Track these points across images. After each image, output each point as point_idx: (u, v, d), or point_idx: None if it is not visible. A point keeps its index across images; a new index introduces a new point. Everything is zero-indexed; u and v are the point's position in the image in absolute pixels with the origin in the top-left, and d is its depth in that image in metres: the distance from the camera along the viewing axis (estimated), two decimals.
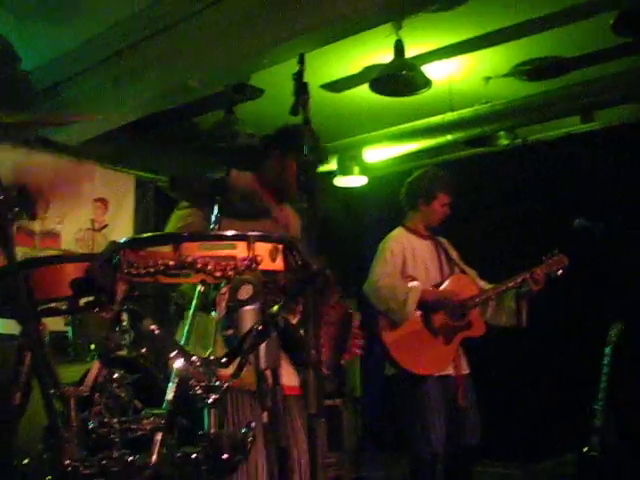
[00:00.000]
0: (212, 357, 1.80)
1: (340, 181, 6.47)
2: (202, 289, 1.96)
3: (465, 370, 4.00)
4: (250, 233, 1.66)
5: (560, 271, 4.05)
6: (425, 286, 3.98)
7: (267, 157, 2.95)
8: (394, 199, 4.35)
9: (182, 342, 1.99)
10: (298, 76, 2.54)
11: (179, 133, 6.40)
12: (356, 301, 4.74)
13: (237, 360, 1.79)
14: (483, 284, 4.12)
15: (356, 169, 6.28)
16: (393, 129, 5.96)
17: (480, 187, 6.32)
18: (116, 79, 5.12)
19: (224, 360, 1.77)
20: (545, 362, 5.80)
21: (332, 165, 6.36)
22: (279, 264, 1.71)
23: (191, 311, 2.00)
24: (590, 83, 5.11)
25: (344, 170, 6.31)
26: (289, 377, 2.57)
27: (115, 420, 1.74)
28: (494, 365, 5.64)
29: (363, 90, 5.34)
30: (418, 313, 3.93)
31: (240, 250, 1.66)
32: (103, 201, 6.26)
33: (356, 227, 7.38)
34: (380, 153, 6.19)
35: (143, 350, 1.84)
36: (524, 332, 5.58)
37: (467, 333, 3.98)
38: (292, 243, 1.70)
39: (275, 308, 1.74)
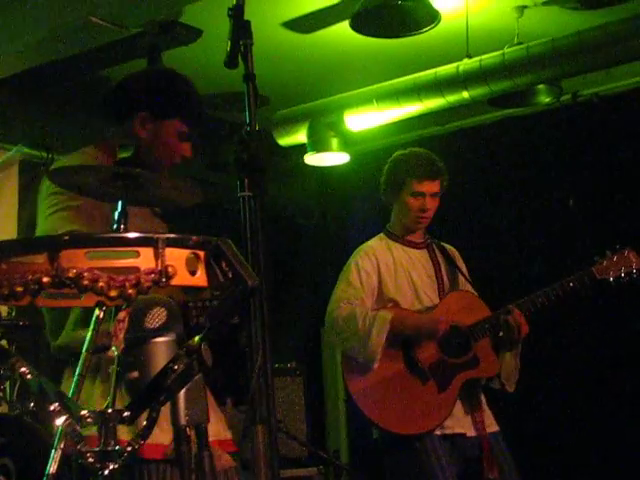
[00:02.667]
0: (110, 410, 1.83)
1: (313, 159, 6.52)
2: (101, 315, 2.00)
3: (492, 427, 4.03)
4: (158, 235, 1.70)
5: (623, 276, 4.05)
6: (410, 310, 4.04)
7: (128, 119, 2.90)
8: None
9: (71, 390, 2.03)
10: (235, 12, 2.59)
11: (82, 92, 6.42)
12: None
13: (145, 414, 1.83)
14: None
15: (334, 142, 6.31)
16: (386, 85, 5.99)
17: (510, 164, 6.41)
18: None
19: (126, 414, 1.81)
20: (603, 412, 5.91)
21: (301, 137, 6.40)
22: (200, 278, 1.75)
23: (85, 346, 2.04)
24: None
25: (318, 144, 6.35)
26: (216, 425, 2.63)
27: None
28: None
29: (343, 29, 5.41)
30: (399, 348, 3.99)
31: (144, 259, 1.70)
32: None
33: (337, 224, 7.45)
34: (368, 119, 6.20)
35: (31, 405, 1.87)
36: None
37: (471, 373, 4.00)
38: (219, 248, 1.74)
39: (197, 339, 1.78)
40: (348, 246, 4.39)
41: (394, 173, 4.19)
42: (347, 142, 6.40)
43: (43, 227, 2.72)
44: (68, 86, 6.27)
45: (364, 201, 6.90)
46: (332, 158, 6.54)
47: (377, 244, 4.22)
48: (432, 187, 4.14)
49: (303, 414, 5.99)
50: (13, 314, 5.13)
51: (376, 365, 3.92)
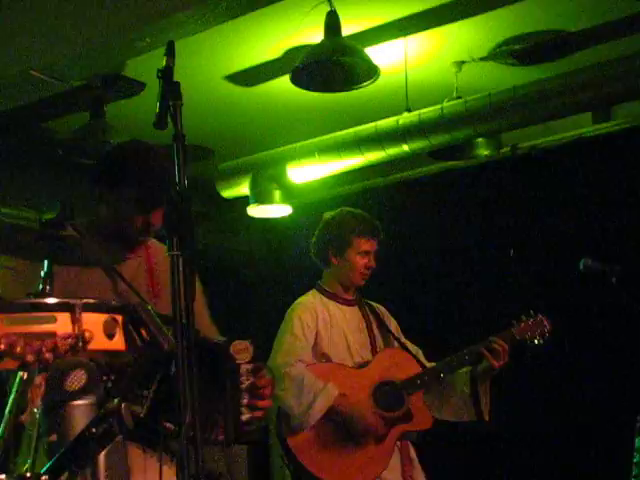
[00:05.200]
0: (29, 474, 1.85)
1: (256, 211, 6.57)
2: (25, 376, 2.02)
3: None
4: (74, 300, 1.73)
5: (538, 339, 4.26)
6: (346, 365, 4.14)
7: (99, 199, 2.96)
8: None
9: None
10: (165, 73, 2.61)
11: (24, 145, 6.43)
12: None
13: (64, 477, 1.85)
14: (430, 366, 4.27)
15: (277, 194, 6.36)
16: (327, 137, 6.06)
17: (450, 216, 6.49)
18: None
19: (45, 477, 1.82)
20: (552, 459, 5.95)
21: (244, 189, 6.44)
22: (118, 342, 1.78)
23: (7, 408, 2.05)
24: (605, 67, 5.23)
25: (261, 196, 6.40)
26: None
27: None
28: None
29: (284, 83, 5.46)
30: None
31: (61, 324, 1.73)
32: None
33: (280, 276, 7.47)
34: (310, 171, 6.27)
35: None
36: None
37: (406, 427, 4.12)
38: (136, 313, 1.77)
39: (116, 401, 1.81)
40: (292, 296, 4.44)
41: (338, 233, 4.30)
42: (290, 194, 6.45)
43: None
44: (10, 138, 6.27)
45: (308, 252, 6.94)
46: (275, 210, 6.59)
47: (313, 299, 4.32)
48: (375, 245, 4.30)
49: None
50: None
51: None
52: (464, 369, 4.24)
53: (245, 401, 2.50)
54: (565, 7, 5.13)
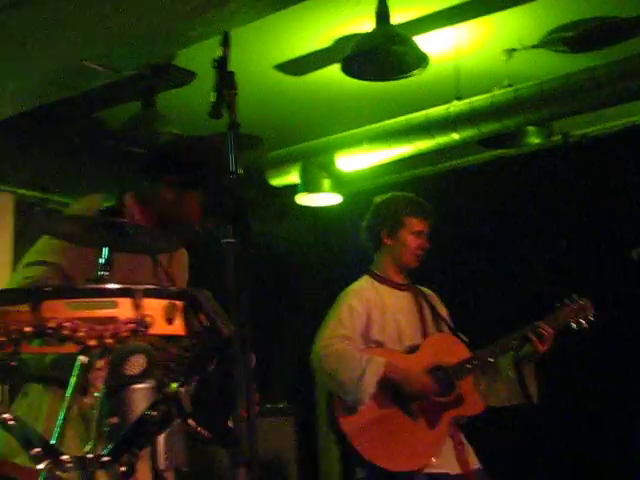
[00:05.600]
0: (90, 455, 1.89)
1: (305, 199, 6.61)
2: (85, 361, 2.07)
3: (474, 464, 4.13)
4: (136, 287, 1.77)
5: (583, 322, 4.25)
6: (396, 350, 4.14)
7: (157, 183, 3.05)
8: None
9: (55, 435, 2.08)
10: (220, 63, 2.65)
11: (77, 134, 6.51)
12: None
13: (125, 458, 1.89)
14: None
15: (326, 183, 6.42)
16: (376, 126, 6.09)
17: (500, 204, 6.47)
18: None
19: (106, 459, 1.87)
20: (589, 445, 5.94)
21: (293, 177, 6.48)
22: (177, 327, 1.82)
23: (68, 391, 2.10)
24: None
25: (310, 185, 6.45)
26: None
27: None
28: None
29: (334, 72, 5.48)
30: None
31: (123, 309, 1.77)
32: None
33: (329, 263, 7.49)
34: (359, 160, 6.31)
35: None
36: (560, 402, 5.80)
37: (458, 411, 4.12)
38: (196, 299, 1.81)
39: (174, 386, 1.85)
40: (341, 285, 4.46)
41: (391, 214, 4.32)
42: (339, 183, 6.51)
43: (23, 274, 2.80)
44: (64, 128, 6.35)
45: (356, 241, 6.98)
46: (324, 199, 6.64)
47: (365, 285, 4.32)
48: (428, 227, 4.32)
49: (294, 454, 5.99)
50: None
51: (363, 406, 3.99)
52: (508, 354, 4.24)
53: None
54: None
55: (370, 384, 3.97)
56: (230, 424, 2.58)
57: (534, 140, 6.11)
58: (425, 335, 4.26)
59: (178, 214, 3.04)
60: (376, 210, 4.41)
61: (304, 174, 6.44)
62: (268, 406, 5.84)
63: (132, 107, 5.85)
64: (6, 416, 1.86)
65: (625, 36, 5.47)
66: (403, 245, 4.28)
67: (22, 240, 6.54)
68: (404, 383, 4.05)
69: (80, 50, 4.95)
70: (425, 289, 4.46)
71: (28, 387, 2.83)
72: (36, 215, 2.66)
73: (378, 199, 4.46)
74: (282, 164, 6.55)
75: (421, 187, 6.54)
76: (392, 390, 4.06)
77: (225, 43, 2.72)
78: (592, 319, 4.35)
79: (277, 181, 6.64)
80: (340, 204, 6.74)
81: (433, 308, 4.37)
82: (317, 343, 4.16)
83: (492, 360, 4.18)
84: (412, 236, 4.27)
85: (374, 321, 4.19)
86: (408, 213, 4.29)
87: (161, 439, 1.92)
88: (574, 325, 4.32)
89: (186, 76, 5.66)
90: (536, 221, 6.45)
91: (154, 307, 1.79)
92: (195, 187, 3.03)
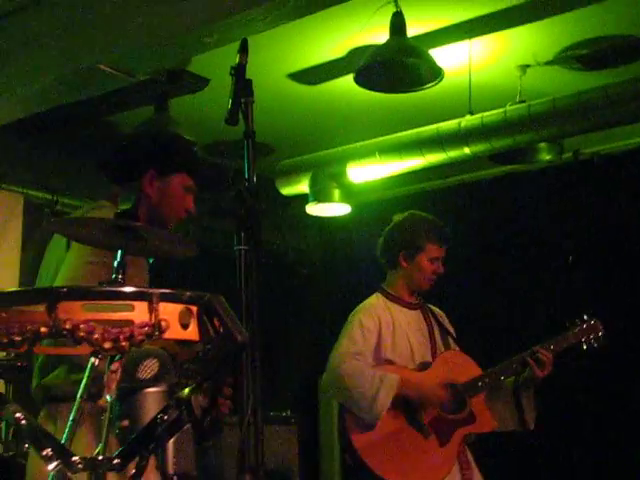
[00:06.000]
0: (100, 457, 1.90)
1: (315, 209, 6.62)
2: (97, 363, 2.08)
3: None
4: (153, 290, 1.78)
5: (594, 342, 4.30)
6: (408, 371, 4.14)
7: (135, 179, 3.05)
8: None
9: (65, 436, 2.09)
10: (238, 71, 2.67)
11: (89, 137, 6.53)
12: None
13: (135, 461, 1.90)
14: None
15: (337, 193, 6.42)
16: (388, 138, 6.09)
17: (509, 220, 6.48)
18: None
19: (116, 461, 1.88)
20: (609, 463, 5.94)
21: (303, 187, 6.49)
22: (192, 332, 1.83)
23: (79, 393, 2.11)
24: None
25: (320, 194, 6.45)
26: None
27: None
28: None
29: (348, 82, 5.50)
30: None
31: (139, 313, 1.78)
32: None
33: (337, 273, 7.52)
34: (370, 171, 6.29)
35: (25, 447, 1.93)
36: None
37: (469, 429, 4.13)
38: (211, 304, 1.82)
39: (187, 391, 1.86)
40: (348, 296, 4.48)
41: (411, 238, 4.29)
42: (349, 193, 6.51)
43: (70, 274, 2.81)
44: (75, 131, 6.37)
45: (365, 251, 6.98)
46: (333, 209, 6.65)
47: (377, 303, 4.33)
48: (445, 252, 4.33)
49: (297, 463, 5.98)
50: (12, 355, 5.17)
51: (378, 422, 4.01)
52: (507, 380, 4.26)
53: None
54: (631, 12, 5.11)
55: (385, 402, 3.97)
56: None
57: (545, 157, 6.13)
58: (434, 353, 4.27)
59: (170, 206, 3.04)
60: (396, 230, 4.39)
61: (314, 184, 6.44)
62: (271, 414, 5.84)
63: (145, 111, 5.86)
64: (18, 415, 1.87)
65: (639, 55, 5.49)
66: (419, 269, 4.28)
67: (30, 240, 6.58)
68: (418, 398, 4.06)
69: (95, 54, 4.97)
70: (435, 308, 4.47)
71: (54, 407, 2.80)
72: (51, 219, 2.70)
73: (398, 218, 4.43)
74: (293, 173, 6.56)
75: (431, 200, 6.60)
76: (404, 407, 4.07)
77: (243, 50, 2.74)
78: (602, 339, 4.40)
79: (287, 190, 6.65)
80: (348, 214, 6.76)
81: (442, 327, 4.39)
82: (331, 362, 4.16)
83: (502, 379, 4.19)
84: (429, 262, 4.27)
85: (385, 339, 4.19)
86: (429, 239, 4.27)
87: (170, 444, 1.92)
88: (585, 345, 4.37)
89: (200, 82, 5.68)
90: (545, 236, 6.46)
91: (170, 311, 1.80)
92: (176, 170, 3.04)
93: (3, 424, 4.98)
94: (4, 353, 5.12)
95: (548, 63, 5.64)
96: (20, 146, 6.35)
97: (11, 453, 4.90)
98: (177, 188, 3.05)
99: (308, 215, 6.78)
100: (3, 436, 5.02)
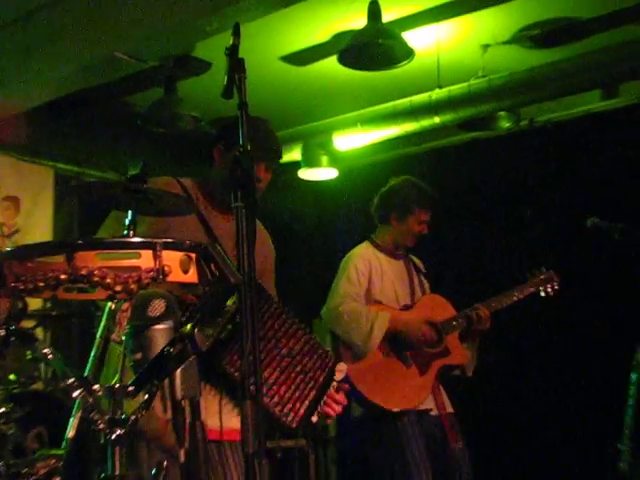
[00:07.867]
0: (117, 385, 1.91)
1: (306, 174, 6.64)
2: (113, 306, 2.09)
3: (449, 408, 4.21)
4: (156, 240, 1.78)
5: (550, 291, 4.36)
6: (397, 310, 4.20)
7: (211, 158, 3.03)
8: (371, 196, 4.50)
9: (88, 368, 2.11)
10: (231, 50, 2.65)
11: (108, 116, 6.53)
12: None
13: (147, 388, 1.91)
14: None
15: (324, 159, 6.45)
16: (368, 110, 6.10)
17: (475, 181, 6.48)
18: (26, 49, 5.24)
19: (131, 389, 1.89)
20: (556, 394, 5.94)
21: (296, 155, 6.50)
22: (192, 276, 1.83)
23: (99, 333, 2.12)
24: (613, 50, 5.23)
25: (310, 160, 6.48)
26: (229, 417, 2.67)
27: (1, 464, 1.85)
28: (490, 399, 5.82)
29: (332, 62, 5.47)
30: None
31: (145, 260, 1.78)
32: (14, 200, 6.33)
33: (326, 231, 7.53)
34: (353, 140, 6.31)
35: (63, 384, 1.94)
36: (530, 357, 5.80)
37: (445, 361, 4.19)
38: (207, 251, 1.82)
39: (188, 327, 1.86)
40: (336, 249, 4.48)
41: (404, 201, 4.30)
42: (335, 159, 6.55)
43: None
44: (96, 110, 6.36)
45: (351, 210, 7.03)
46: (322, 173, 6.68)
47: (367, 251, 4.34)
48: (431, 216, 4.34)
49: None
50: (48, 305, 5.16)
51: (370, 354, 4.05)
52: None
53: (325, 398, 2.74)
54: None
55: (378, 336, 4.01)
56: (314, 419, 2.71)
57: (505, 124, 6.11)
58: (413, 297, 4.32)
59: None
60: (391, 192, 4.38)
61: (305, 152, 6.48)
62: None
63: (156, 92, 5.85)
64: (46, 351, 1.88)
65: (585, 34, 5.49)
66: (407, 230, 4.29)
67: (60, 207, 6.58)
68: (406, 332, 4.09)
69: (112, 44, 4.96)
70: (415, 259, 4.50)
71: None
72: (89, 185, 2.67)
73: (394, 182, 4.42)
74: (286, 143, 6.53)
75: (407, 164, 6.57)
76: (390, 341, 4.10)
77: (236, 33, 2.71)
78: (557, 288, 4.48)
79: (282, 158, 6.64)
80: (337, 178, 6.79)
81: (421, 274, 4.43)
82: (331, 301, 4.18)
83: (475, 318, 4.23)
84: (417, 224, 4.29)
85: (374, 283, 4.22)
86: (419, 205, 4.27)
87: (178, 373, 1.93)
88: (542, 293, 4.45)
89: (203, 66, 5.66)
90: (506, 195, 6.44)
91: (172, 258, 1.81)
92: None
93: (43, 365, 5.01)
94: (40, 304, 5.14)
95: (506, 42, 5.62)
96: (50, 125, 6.33)
97: (50, 389, 4.94)
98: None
99: (302, 180, 6.80)
100: (43, 374, 5.05)
